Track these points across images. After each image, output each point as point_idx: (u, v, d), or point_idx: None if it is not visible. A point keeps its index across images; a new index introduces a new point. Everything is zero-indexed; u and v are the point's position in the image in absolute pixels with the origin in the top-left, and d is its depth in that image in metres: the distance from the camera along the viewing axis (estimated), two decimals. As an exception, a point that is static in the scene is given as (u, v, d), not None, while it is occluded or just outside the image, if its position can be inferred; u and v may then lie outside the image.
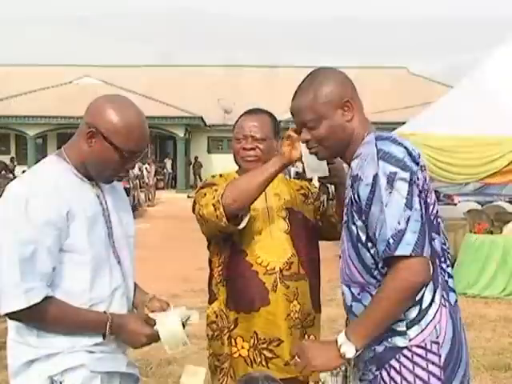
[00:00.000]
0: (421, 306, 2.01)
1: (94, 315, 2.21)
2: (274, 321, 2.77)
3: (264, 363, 2.78)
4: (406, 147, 2.03)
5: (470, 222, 9.99)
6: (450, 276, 2.12)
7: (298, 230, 2.86)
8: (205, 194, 2.73)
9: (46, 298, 2.09)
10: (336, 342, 2.01)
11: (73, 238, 2.16)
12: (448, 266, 2.13)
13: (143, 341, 2.26)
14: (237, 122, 2.93)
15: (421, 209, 1.97)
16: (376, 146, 2.02)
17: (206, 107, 31.55)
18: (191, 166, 33.55)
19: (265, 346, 2.78)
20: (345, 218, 2.14)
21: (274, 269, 2.77)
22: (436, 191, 15.16)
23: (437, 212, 2.10)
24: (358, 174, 2.04)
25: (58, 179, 2.19)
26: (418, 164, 2.02)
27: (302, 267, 2.83)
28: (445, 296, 2.06)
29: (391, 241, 1.93)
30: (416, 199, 1.97)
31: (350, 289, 2.13)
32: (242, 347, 2.81)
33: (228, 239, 2.81)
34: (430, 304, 2.01)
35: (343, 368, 2.17)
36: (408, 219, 1.94)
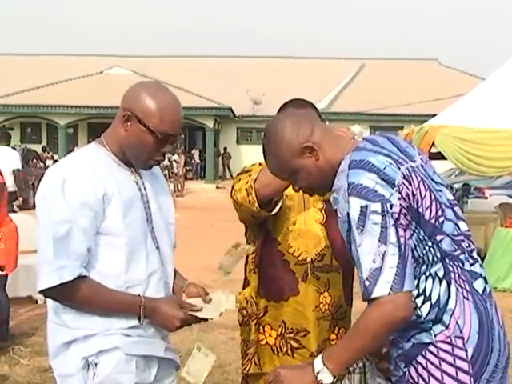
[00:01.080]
0: (439, 305, 1.98)
1: (127, 297, 2.25)
2: (302, 311, 2.77)
3: (290, 353, 2.79)
4: (378, 170, 1.94)
5: (501, 216, 9.87)
6: (475, 261, 2.08)
7: (333, 221, 2.83)
8: (240, 180, 2.73)
9: (80, 278, 2.15)
10: (312, 367, 1.99)
11: (109, 220, 2.22)
12: (472, 251, 2.08)
13: (176, 324, 2.29)
14: (281, 110, 2.83)
15: (397, 240, 1.89)
16: (347, 177, 1.96)
17: (235, 98, 31.55)
18: (220, 157, 33.63)
19: (292, 335, 2.79)
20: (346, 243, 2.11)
21: (306, 259, 2.78)
22: (466, 184, 15.03)
23: (438, 211, 2.02)
24: (336, 210, 2.04)
25: (95, 163, 2.26)
26: (394, 185, 1.93)
27: (336, 259, 2.82)
28: (467, 288, 2.01)
29: (367, 283, 1.88)
30: (391, 230, 1.89)
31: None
32: (270, 335, 2.82)
33: (262, 227, 2.81)
34: (447, 300, 1.98)
35: (360, 364, 2.15)
36: (383, 255, 1.88)
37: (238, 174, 2.84)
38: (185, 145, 33.84)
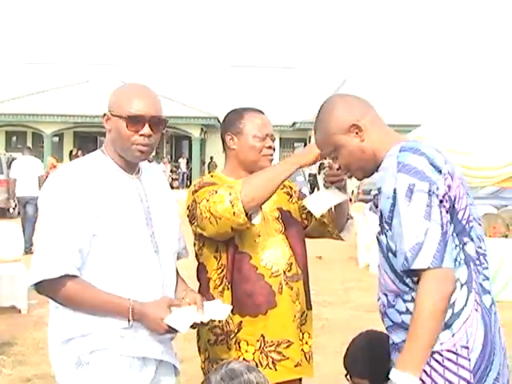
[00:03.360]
0: (453, 309, 2.01)
1: (116, 299, 2.26)
2: (283, 323, 2.74)
3: (271, 366, 2.74)
4: (427, 157, 2.03)
5: (486, 226, 9.92)
6: (486, 278, 2.11)
7: (290, 229, 2.86)
8: (216, 192, 2.63)
9: (67, 276, 2.20)
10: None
11: (104, 224, 2.27)
12: (485, 269, 2.12)
13: (164, 326, 2.27)
14: (240, 118, 2.83)
15: (441, 219, 1.97)
16: (397, 158, 2.04)
17: (221, 107, 31.54)
18: (206, 166, 33.61)
19: (272, 348, 2.74)
20: (378, 229, 2.17)
21: (278, 271, 2.76)
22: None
23: (469, 216, 2.09)
24: (380, 187, 2.09)
25: (95, 169, 2.34)
26: (440, 172, 2.02)
27: (299, 267, 2.84)
28: (477, 300, 2.05)
29: (409, 254, 1.95)
30: (435, 210, 1.97)
31: (386, 297, 2.16)
32: (246, 351, 2.74)
33: (231, 241, 2.73)
34: (463, 308, 2.02)
35: None
36: (426, 231, 1.95)
37: (202, 187, 2.73)
38: (171, 154, 33.80)
